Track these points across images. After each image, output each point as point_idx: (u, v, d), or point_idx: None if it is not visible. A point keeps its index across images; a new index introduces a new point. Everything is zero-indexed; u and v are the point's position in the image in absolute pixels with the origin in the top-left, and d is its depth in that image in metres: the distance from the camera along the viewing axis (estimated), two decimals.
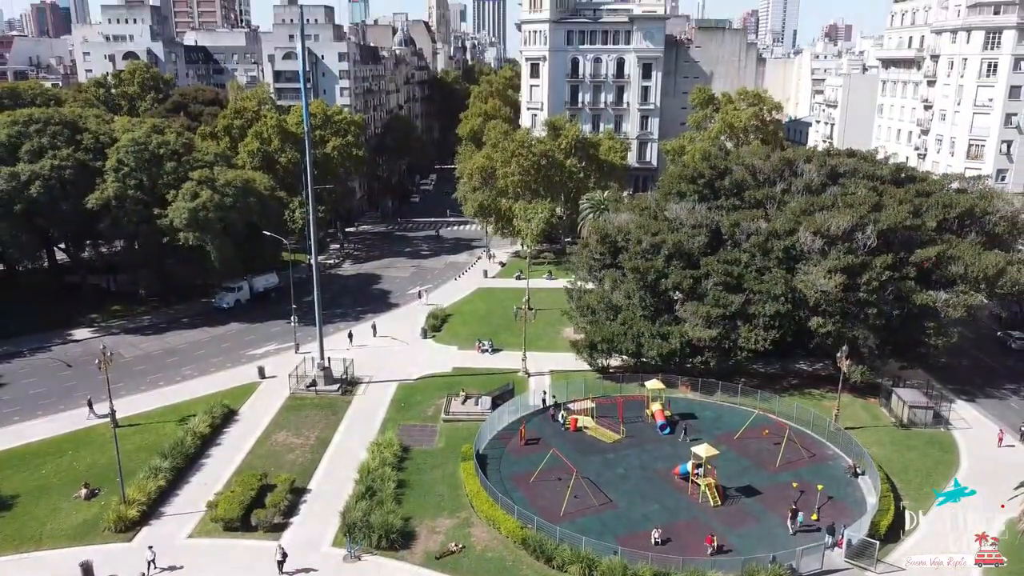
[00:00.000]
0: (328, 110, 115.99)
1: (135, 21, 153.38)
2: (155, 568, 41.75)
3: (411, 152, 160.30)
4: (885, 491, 47.85)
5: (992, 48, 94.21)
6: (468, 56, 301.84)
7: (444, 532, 45.65)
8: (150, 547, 42.32)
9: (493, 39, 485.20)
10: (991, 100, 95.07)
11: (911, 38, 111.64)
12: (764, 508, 47.85)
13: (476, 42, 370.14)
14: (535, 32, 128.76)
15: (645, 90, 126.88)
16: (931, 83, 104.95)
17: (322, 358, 66.64)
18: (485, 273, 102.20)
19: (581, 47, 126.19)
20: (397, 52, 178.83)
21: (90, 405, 59.55)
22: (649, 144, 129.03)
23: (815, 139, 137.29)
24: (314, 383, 65.60)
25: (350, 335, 77.35)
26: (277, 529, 45.71)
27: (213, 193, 79.69)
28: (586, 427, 57.68)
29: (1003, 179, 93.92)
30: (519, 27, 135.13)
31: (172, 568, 42.29)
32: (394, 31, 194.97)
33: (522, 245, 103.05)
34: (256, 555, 43.38)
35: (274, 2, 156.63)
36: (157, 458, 51.34)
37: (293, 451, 55.44)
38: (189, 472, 52.17)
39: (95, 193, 78.93)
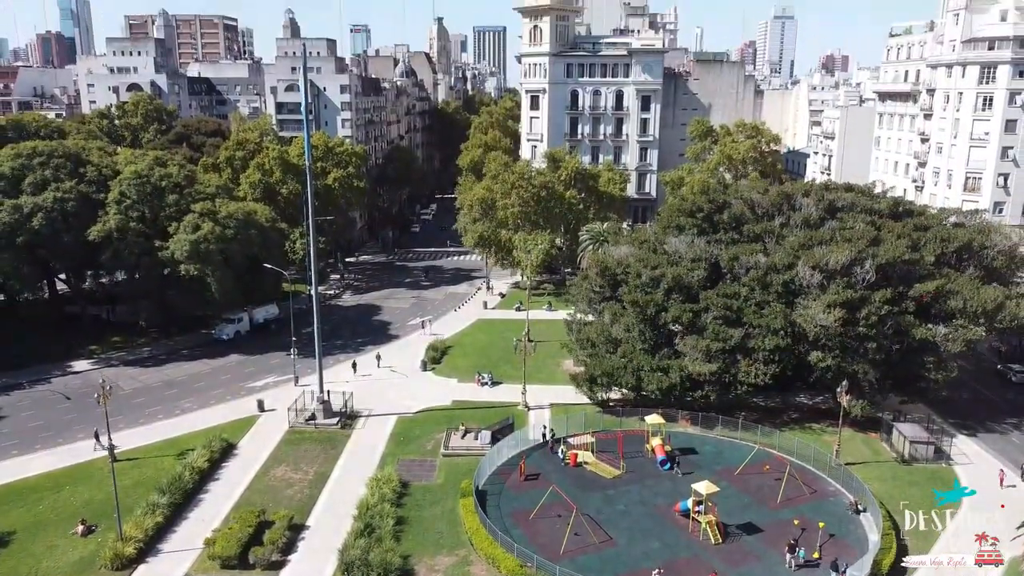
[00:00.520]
0: (329, 142, 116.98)
1: (139, 53, 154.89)
2: None
3: (412, 182, 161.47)
4: (887, 528, 47.50)
5: (987, 82, 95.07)
6: (469, 86, 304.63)
7: (443, 571, 45.26)
8: None
9: (493, 69, 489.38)
10: (987, 133, 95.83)
11: (907, 72, 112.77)
12: (765, 546, 47.47)
13: (477, 72, 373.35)
14: (535, 65, 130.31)
15: (644, 122, 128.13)
16: (927, 116, 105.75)
17: (321, 391, 66.51)
18: (485, 304, 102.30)
19: (580, 80, 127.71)
20: (398, 83, 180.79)
21: (97, 437, 59.11)
22: (648, 175, 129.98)
23: (813, 170, 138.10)
24: (313, 416, 65.36)
25: (354, 365, 77.62)
26: (275, 567, 45.32)
27: (215, 225, 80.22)
28: (586, 462, 57.46)
29: (1000, 211, 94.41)
30: (519, 60, 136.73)
31: None
32: (396, 62, 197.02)
33: (522, 276, 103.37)
34: None
35: (277, 35, 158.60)
36: (155, 494, 51.05)
37: (292, 486, 55.17)
38: (187, 508, 51.81)
39: (97, 225, 79.38)
